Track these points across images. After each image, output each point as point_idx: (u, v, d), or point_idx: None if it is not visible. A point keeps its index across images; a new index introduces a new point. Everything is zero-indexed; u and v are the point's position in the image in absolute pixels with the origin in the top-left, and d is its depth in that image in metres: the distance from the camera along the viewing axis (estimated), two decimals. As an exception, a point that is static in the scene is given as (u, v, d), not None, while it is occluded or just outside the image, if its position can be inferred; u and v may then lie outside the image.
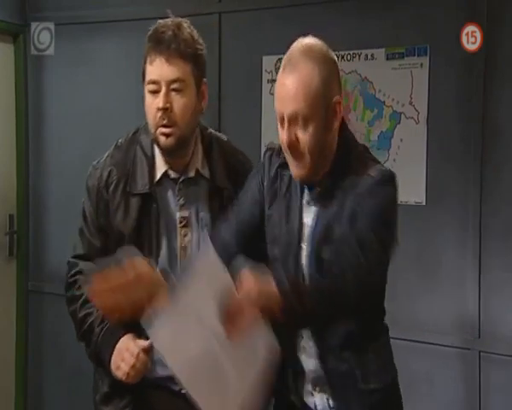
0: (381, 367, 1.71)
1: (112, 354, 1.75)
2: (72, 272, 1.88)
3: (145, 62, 1.79)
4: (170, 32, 1.75)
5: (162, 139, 1.79)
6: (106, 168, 1.86)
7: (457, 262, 2.75)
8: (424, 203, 2.81)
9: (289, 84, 1.54)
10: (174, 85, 1.75)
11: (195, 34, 1.81)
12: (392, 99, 2.86)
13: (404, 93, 2.84)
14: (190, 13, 2.61)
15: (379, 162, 1.67)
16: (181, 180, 1.87)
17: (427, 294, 2.78)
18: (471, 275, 2.72)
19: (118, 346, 1.75)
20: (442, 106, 2.77)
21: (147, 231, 1.83)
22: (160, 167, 1.86)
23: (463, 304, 2.73)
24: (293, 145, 1.57)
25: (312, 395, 1.73)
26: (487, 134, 2.70)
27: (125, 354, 1.72)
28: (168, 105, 1.74)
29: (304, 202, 1.69)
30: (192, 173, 1.88)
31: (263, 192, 1.75)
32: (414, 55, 2.81)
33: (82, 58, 3.51)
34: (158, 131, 1.78)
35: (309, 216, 1.67)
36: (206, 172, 1.90)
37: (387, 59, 2.87)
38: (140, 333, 1.66)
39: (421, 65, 2.80)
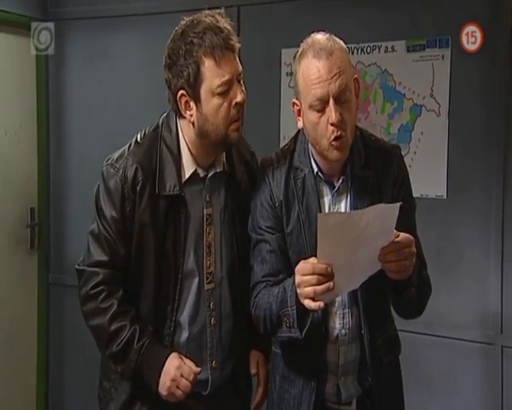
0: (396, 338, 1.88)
1: (160, 375, 1.71)
2: (94, 283, 1.74)
3: None
4: None
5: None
6: (129, 168, 1.73)
7: (479, 256, 2.72)
8: (445, 196, 2.78)
9: (329, 65, 1.59)
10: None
11: None
12: (413, 92, 2.83)
13: (424, 85, 2.81)
14: (209, 5, 2.60)
15: (374, 135, 1.83)
16: (209, 176, 1.81)
17: (448, 288, 2.75)
18: (493, 269, 2.69)
19: (168, 368, 1.71)
20: (464, 98, 2.74)
21: (173, 233, 1.75)
22: (189, 167, 1.78)
23: (485, 299, 2.71)
24: (343, 123, 1.60)
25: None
26: (510, 127, 2.66)
27: (181, 382, 1.69)
28: None
29: (327, 197, 1.71)
30: (220, 168, 1.83)
31: (277, 210, 1.73)
32: (435, 47, 2.78)
33: (102, 52, 3.52)
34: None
35: (339, 207, 1.71)
36: (227, 167, 1.86)
37: (408, 51, 2.84)
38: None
39: (443, 57, 2.76)
